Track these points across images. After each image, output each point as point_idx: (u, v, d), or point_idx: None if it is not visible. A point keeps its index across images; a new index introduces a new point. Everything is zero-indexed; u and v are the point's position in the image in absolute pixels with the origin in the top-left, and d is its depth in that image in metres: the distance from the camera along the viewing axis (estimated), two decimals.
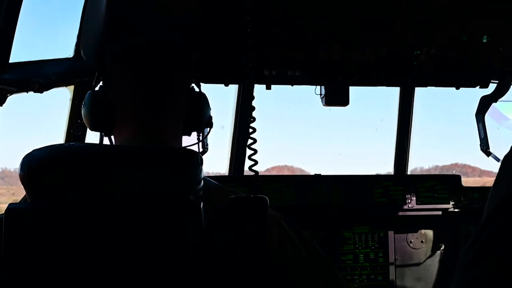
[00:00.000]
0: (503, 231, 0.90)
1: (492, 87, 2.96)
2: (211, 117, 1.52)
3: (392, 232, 3.20)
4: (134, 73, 1.37)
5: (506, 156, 1.02)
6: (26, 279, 1.11)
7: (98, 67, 1.43)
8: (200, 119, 1.46)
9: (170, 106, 1.39)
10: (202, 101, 1.46)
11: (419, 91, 3.41)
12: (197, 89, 1.49)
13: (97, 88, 1.42)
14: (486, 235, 0.92)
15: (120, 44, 1.39)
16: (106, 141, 1.47)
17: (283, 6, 2.31)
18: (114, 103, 1.37)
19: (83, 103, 1.42)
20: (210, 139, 2.26)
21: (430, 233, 3.25)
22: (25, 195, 1.34)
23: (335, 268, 1.40)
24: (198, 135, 1.53)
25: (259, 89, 2.74)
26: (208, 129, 1.55)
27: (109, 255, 1.13)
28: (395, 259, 3.19)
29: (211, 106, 1.52)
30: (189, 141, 1.55)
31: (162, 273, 1.13)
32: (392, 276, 3.17)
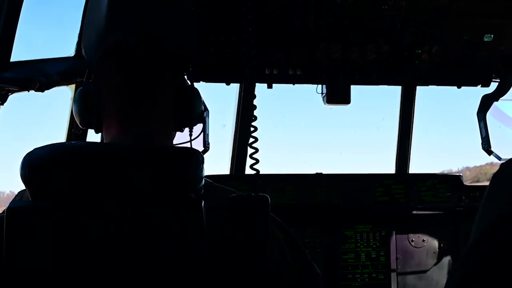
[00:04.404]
0: (493, 255, 0.90)
1: (493, 86, 2.95)
2: (203, 112, 1.51)
3: (394, 230, 3.20)
4: (120, 69, 1.36)
5: (494, 175, 1.01)
6: (28, 277, 1.11)
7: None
8: (190, 114, 1.44)
9: (155, 103, 1.38)
10: (192, 95, 1.44)
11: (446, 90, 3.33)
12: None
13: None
14: (477, 258, 0.92)
15: (109, 40, 1.39)
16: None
17: (284, 5, 2.31)
18: (102, 99, 1.37)
19: (73, 100, 1.42)
20: (211, 138, 2.26)
21: (431, 231, 3.24)
22: (17, 194, 1.34)
23: (317, 273, 1.40)
24: (190, 131, 1.51)
25: (260, 88, 2.73)
26: (203, 125, 1.54)
27: (112, 252, 1.13)
28: (397, 258, 3.18)
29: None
30: (189, 138, 1.54)
31: (164, 269, 1.13)
32: (393, 275, 3.17)
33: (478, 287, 0.88)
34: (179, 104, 1.41)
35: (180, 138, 1.54)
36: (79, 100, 1.40)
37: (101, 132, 1.42)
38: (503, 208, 0.94)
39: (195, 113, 1.44)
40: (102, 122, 1.39)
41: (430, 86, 2.88)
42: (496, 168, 1.02)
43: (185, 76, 1.50)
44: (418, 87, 3.51)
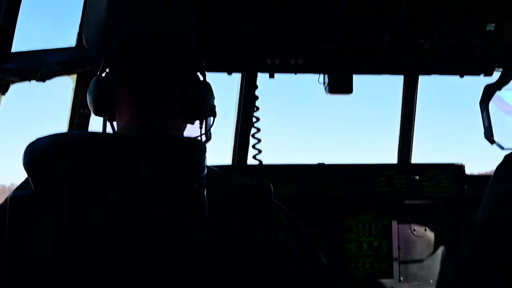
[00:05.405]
0: (495, 239, 0.92)
1: (495, 77, 2.94)
2: (214, 106, 1.52)
3: (396, 220, 3.21)
4: (133, 60, 1.38)
5: (498, 166, 1.03)
6: (31, 266, 1.11)
7: (100, 56, 1.44)
8: (202, 108, 1.45)
9: (166, 93, 1.40)
10: (205, 89, 1.46)
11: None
12: (201, 78, 1.49)
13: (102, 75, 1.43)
14: (479, 241, 0.94)
15: (122, 32, 1.39)
16: (109, 129, 1.47)
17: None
18: (116, 88, 1.39)
19: (88, 89, 1.44)
20: (213, 127, 2.25)
21: (433, 221, 3.25)
22: (22, 183, 1.35)
23: (322, 262, 1.41)
24: (201, 124, 1.52)
25: (262, 78, 2.72)
26: (212, 118, 1.55)
27: (115, 241, 1.14)
28: (399, 247, 3.19)
29: (214, 95, 1.52)
30: (193, 129, 1.55)
31: (167, 257, 1.14)
32: (395, 264, 3.18)
33: (476, 270, 0.90)
34: (189, 96, 1.42)
35: (189, 130, 1.55)
36: (93, 89, 1.42)
37: (114, 120, 1.44)
38: (504, 197, 0.96)
39: (205, 107, 1.45)
40: (115, 111, 1.41)
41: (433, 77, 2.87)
42: None
43: (197, 70, 1.51)
44: (421, 78, 3.50)
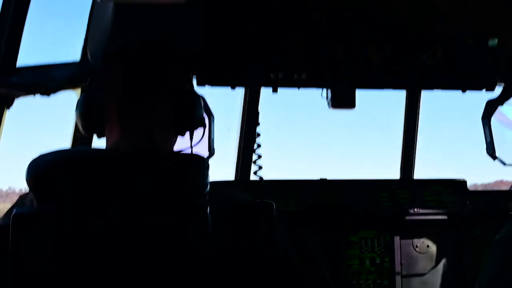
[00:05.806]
0: None
1: (497, 92, 2.94)
2: (203, 117, 1.51)
3: (398, 236, 3.19)
4: (123, 74, 1.36)
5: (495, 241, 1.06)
6: (34, 282, 1.11)
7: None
8: (189, 119, 1.43)
9: (158, 107, 1.38)
10: (193, 100, 1.44)
11: None
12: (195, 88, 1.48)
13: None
14: None
15: (112, 45, 1.39)
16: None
17: (288, 8, 2.31)
18: (104, 104, 1.37)
19: (76, 105, 1.42)
20: (218, 143, 2.26)
21: (436, 237, 3.23)
22: (17, 201, 1.34)
23: (326, 274, 1.39)
24: (191, 136, 1.51)
25: (265, 94, 2.74)
26: (208, 131, 1.53)
27: (118, 258, 1.14)
28: (401, 264, 3.17)
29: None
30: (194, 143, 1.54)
31: (169, 274, 1.14)
32: (398, 280, 3.15)
33: None
34: (180, 109, 1.41)
35: (182, 144, 1.54)
36: (81, 105, 1.40)
37: (104, 136, 1.43)
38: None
39: (195, 118, 1.45)
40: (105, 127, 1.40)
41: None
42: None
43: (189, 81, 1.50)
44: (423, 94, 3.50)
